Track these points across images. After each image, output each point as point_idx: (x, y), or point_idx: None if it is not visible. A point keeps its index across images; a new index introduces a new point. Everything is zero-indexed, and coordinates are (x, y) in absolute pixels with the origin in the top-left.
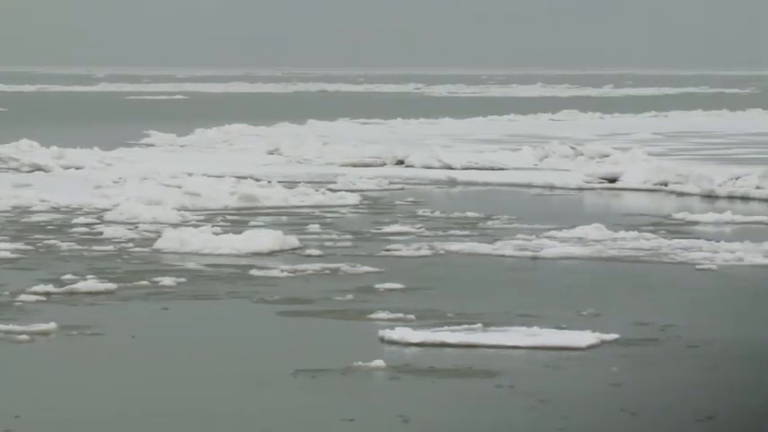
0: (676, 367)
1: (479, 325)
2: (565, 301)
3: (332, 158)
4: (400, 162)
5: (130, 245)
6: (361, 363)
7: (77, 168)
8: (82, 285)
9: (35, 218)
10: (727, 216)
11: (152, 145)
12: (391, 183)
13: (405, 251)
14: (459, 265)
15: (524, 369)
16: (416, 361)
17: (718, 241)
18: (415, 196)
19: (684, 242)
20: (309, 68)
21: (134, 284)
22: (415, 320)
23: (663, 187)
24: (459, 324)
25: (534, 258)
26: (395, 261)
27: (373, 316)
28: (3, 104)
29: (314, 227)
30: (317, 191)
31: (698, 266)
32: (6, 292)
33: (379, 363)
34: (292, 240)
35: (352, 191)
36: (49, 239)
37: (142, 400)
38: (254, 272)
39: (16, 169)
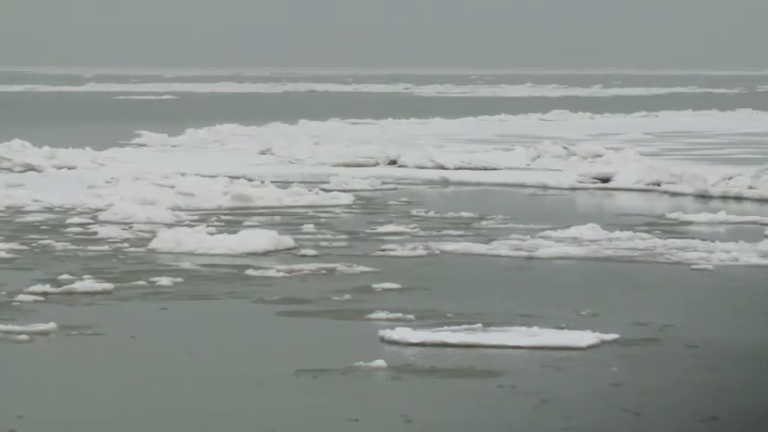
0: (677, 367)
1: (479, 325)
2: (562, 301)
3: (324, 158)
4: (393, 162)
5: (125, 245)
6: (362, 363)
7: (70, 168)
8: (79, 285)
9: (29, 218)
10: (721, 216)
11: (144, 145)
12: (384, 183)
13: (400, 251)
14: (455, 266)
15: (525, 369)
16: (417, 361)
17: (713, 241)
18: (409, 196)
19: (679, 242)
20: (299, 68)
21: (131, 284)
22: (414, 320)
23: (656, 187)
24: (459, 324)
25: (530, 258)
26: (390, 261)
27: (372, 316)
28: None
29: (308, 227)
30: (310, 191)
31: (694, 266)
32: (4, 293)
33: (380, 363)
34: (287, 240)
35: (345, 191)
36: (43, 239)
37: (143, 400)
38: (250, 272)
39: (9, 169)
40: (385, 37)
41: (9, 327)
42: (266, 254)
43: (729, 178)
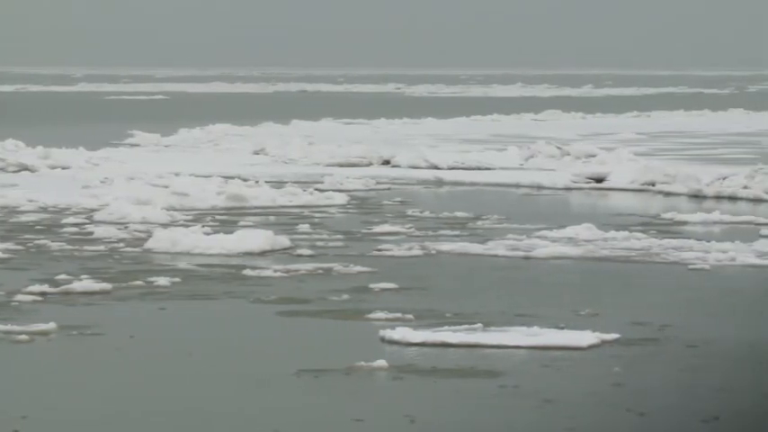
0: (678, 368)
1: (480, 325)
2: (561, 301)
3: (318, 158)
4: (386, 162)
5: (121, 245)
6: (363, 363)
7: (64, 168)
8: (77, 285)
9: (24, 218)
10: (716, 216)
11: (137, 145)
12: (378, 183)
13: (396, 251)
14: (452, 265)
15: (527, 369)
16: (419, 361)
17: (708, 241)
18: (403, 196)
19: (675, 242)
20: (290, 69)
21: (129, 284)
22: (413, 320)
23: (650, 187)
24: (458, 324)
25: (527, 258)
26: (387, 261)
27: (371, 316)
28: None
29: (304, 227)
30: (304, 191)
31: (690, 266)
32: (2, 293)
33: (381, 363)
34: (283, 240)
35: (339, 191)
36: (39, 239)
37: (144, 400)
38: (247, 272)
39: (2, 169)
40: (376, 37)
41: (9, 327)
42: (262, 254)
43: (723, 178)
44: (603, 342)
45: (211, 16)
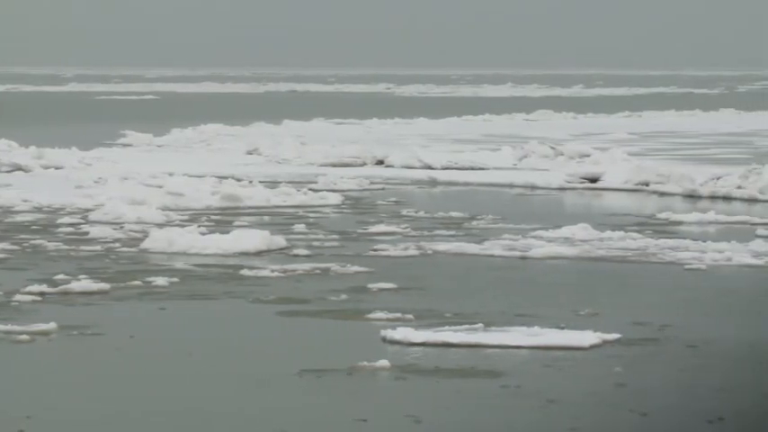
0: (679, 368)
1: (481, 325)
2: (559, 301)
3: (311, 158)
4: (380, 162)
5: (117, 245)
6: (365, 363)
7: (57, 168)
8: (76, 285)
9: (19, 218)
10: (711, 216)
11: (129, 145)
12: (372, 183)
13: (392, 251)
14: (449, 265)
15: (529, 369)
16: (421, 361)
17: (704, 241)
18: (397, 196)
19: (671, 242)
20: (280, 68)
21: (127, 284)
22: (413, 320)
23: (644, 187)
24: (458, 324)
25: (523, 258)
26: (383, 261)
27: (371, 316)
28: None
29: (299, 227)
30: (298, 191)
31: (687, 266)
32: (1, 293)
33: (383, 363)
34: (280, 240)
35: (333, 191)
36: (35, 239)
37: (147, 400)
38: (244, 272)
39: None
40: (369, 38)
41: (9, 327)
42: (259, 254)
43: (718, 178)
44: (605, 342)
45: (211, 16)
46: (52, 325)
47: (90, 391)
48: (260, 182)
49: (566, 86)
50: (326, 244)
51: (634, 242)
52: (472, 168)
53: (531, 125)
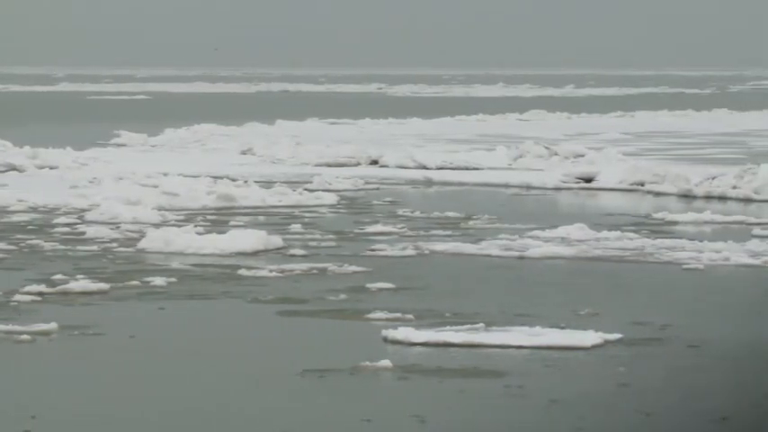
0: (681, 368)
1: (482, 325)
2: (559, 301)
3: (306, 158)
4: (374, 162)
5: (114, 245)
6: (368, 363)
7: (52, 168)
8: (75, 285)
9: (15, 218)
10: (707, 216)
11: (123, 145)
12: (367, 183)
13: (389, 251)
14: (447, 265)
15: (531, 369)
16: (423, 361)
17: (701, 241)
18: (393, 196)
19: (668, 242)
20: (270, 68)
21: (125, 284)
22: (413, 320)
23: (639, 187)
24: (458, 323)
25: (521, 258)
26: (381, 261)
27: (371, 316)
28: None
29: (295, 227)
30: (294, 191)
31: (684, 266)
32: (0, 293)
33: (385, 363)
34: (276, 240)
35: (328, 191)
36: (31, 239)
37: (153, 401)
38: (242, 272)
39: None
40: (358, 37)
41: (10, 327)
42: (255, 254)
43: (713, 178)
44: (606, 342)
45: (192, 16)
46: (53, 325)
47: (93, 391)
48: (255, 182)
49: (557, 86)
50: (323, 244)
51: (631, 242)
52: (467, 168)
53: (525, 125)
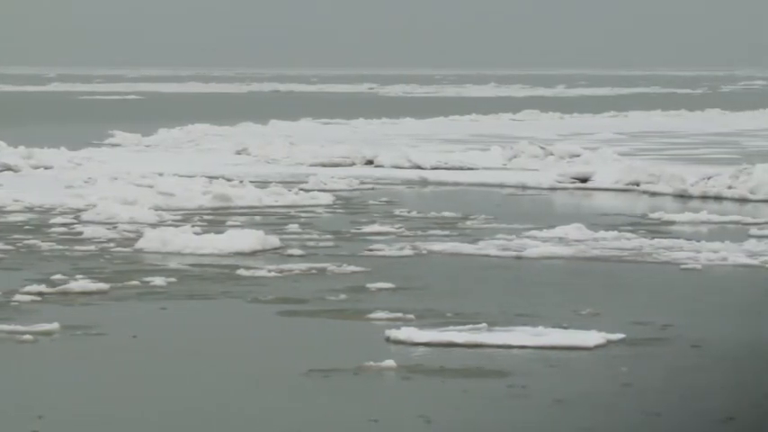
0: (685, 367)
1: (484, 325)
2: (558, 301)
3: (300, 158)
4: (369, 162)
5: (112, 245)
6: (371, 363)
7: (47, 168)
8: (75, 285)
9: (11, 218)
10: (704, 216)
11: (118, 145)
12: (362, 183)
13: (387, 251)
14: (445, 265)
15: (534, 369)
16: (426, 361)
17: (698, 241)
18: (389, 196)
19: (666, 242)
20: (262, 68)
21: (125, 284)
22: (414, 320)
23: (635, 187)
24: (459, 323)
25: (519, 258)
26: (379, 261)
27: (372, 316)
28: None
29: (292, 227)
30: (289, 191)
31: (683, 266)
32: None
33: (389, 363)
34: (274, 240)
35: (324, 191)
36: (28, 239)
37: (159, 401)
38: (241, 272)
39: None
40: (357, 38)
41: (13, 327)
42: (253, 254)
43: (708, 178)
44: (609, 342)
45: (184, 16)
46: (55, 325)
47: (97, 391)
48: (250, 182)
49: (549, 86)
50: (321, 244)
51: (629, 242)
52: (462, 168)
53: (519, 125)
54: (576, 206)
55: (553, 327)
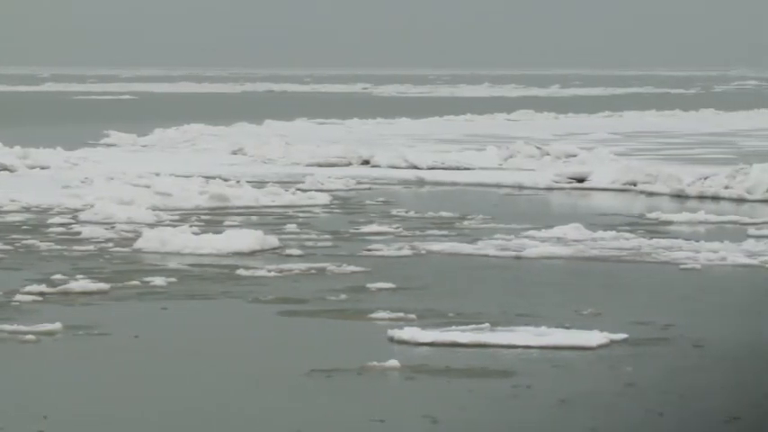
0: (687, 367)
1: (487, 324)
2: (559, 301)
3: (297, 158)
4: (365, 162)
5: (110, 245)
6: (375, 363)
7: (43, 168)
8: (75, 285)
9: (9, 218)
10: (701, 216)
11: (114, 145)
12: (359, 182)
13: (386, 251)
14: (444, 265)
15: (538, 369)
16: (430, 361)
17: (697, 241)
18: (386, 196)
19: (664, 242)
20: (255, 69)
21: (125, 284)
22: (416, 320)
23: (632, 187)
24: (461, 323)
25: (518, 258)
26: (378, 261)
27: (373, 316)
28: None
29: (290, 227)
30: (286, 191)
31: (682, 266)
32: (0, 293)
33: (393, 363)
34: (272, 240)
35: (321, 191)
36: (26, 239)
37: (164, 401)
38: (240, 272)
39: None
40: (349, 37)
41: (15, 327)
42: (252, 254)
43: (705, 178)
44: (612, 342)
45: (179, 16)
46: (57, 325)
47: (100, 391)
48: (247, 182)
49: (543, 86)
50: (319, 244)
51: (627, 242)
52: (458, 168)
53: (514, 125)
54: (574, 206)
55: (555, 327)
